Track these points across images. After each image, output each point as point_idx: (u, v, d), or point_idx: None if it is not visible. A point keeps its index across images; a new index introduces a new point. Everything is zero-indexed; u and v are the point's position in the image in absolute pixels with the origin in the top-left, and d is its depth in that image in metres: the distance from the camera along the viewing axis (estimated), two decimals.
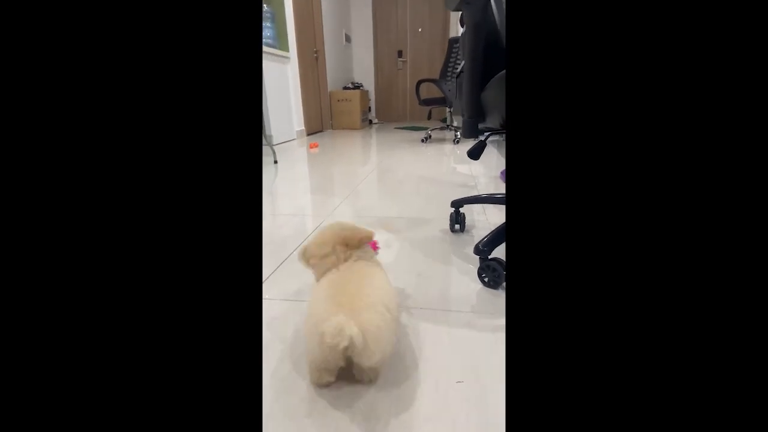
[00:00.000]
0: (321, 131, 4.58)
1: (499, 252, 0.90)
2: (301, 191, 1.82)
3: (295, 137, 3.83)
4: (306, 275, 0.92)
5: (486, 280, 0.85)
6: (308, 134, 4.15)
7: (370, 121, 5.75)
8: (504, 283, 0.86)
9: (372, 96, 5.78)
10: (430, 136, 3.53)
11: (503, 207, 1.03)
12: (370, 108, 5.70)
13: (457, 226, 1.21)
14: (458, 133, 3.45)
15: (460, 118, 0.89)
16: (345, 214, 1.43)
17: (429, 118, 4.32)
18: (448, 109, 3.78)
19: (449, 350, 0.64)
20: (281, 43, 3.48)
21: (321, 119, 4.59)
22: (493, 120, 0.85)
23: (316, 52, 4.31)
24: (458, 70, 1.00)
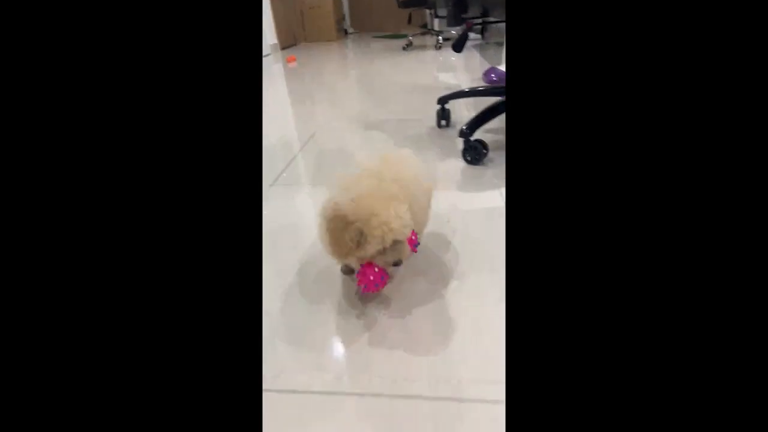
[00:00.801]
0: (295, 45, 4.30)
1: (480, 134, 1.04)
2: (287, 104, 1.86)
3: (269, 52, 3.63)
4: (308, 177, 1.05)
5: (469, 159, 1.00)
6: (282, 48, 3.92)
7: (346, 31, 5.36)
8: (484, 159, 1.00)
9: (345, 1, 5.30)
10: (411, 43, 3.40)
11: (488, 101, 1.13)
12: (344, 16, 5.27)
13: (443, 122, 1.32)
14: (440, 37, 3.33)
15: (440, 22, 0.92)
16: (337, 120, 1.51)
17: (409, 22, 4.07)
18: (428, 12, 3.58)
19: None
20: None
21: (293, 32, 4.28)
22: (474, 9, 0.91)
23: None
24: None
